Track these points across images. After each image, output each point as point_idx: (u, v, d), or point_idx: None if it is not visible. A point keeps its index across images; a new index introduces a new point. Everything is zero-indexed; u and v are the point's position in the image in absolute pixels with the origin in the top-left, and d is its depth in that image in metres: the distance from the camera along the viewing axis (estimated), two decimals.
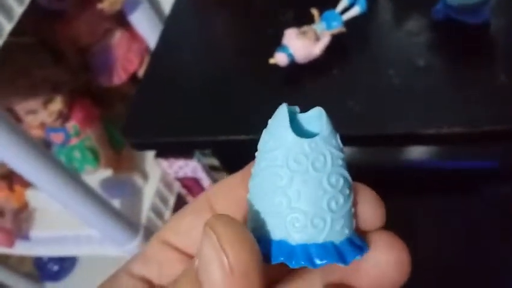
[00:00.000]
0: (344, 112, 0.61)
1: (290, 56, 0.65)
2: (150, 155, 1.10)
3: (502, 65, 0.59)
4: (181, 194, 1.04)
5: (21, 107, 0.98)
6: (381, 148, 0.91)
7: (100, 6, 0.95)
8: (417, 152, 0.97)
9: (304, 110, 0.23)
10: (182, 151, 0.83)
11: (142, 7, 1.01)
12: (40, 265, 1.41)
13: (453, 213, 0.93)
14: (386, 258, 0.22)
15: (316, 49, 0.65)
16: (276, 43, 0.67)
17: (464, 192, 0.94)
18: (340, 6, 0.67)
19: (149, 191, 1.06)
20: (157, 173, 1.07)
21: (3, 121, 0.69)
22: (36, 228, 1.12)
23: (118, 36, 1.06)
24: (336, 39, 0.66)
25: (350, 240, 0.20)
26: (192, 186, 0.95)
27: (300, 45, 0.64)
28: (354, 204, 0.22)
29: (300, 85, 0.67)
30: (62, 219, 1.06)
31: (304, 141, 0.20)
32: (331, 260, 0.19)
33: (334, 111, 0.63)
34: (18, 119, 1.00)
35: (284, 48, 0.65)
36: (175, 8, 0.89)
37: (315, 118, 0.21)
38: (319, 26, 0.66)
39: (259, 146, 0.21)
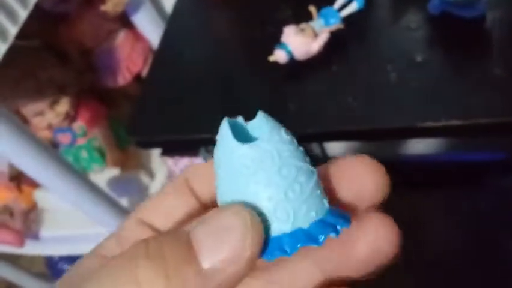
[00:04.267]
0: (343, 107, 0.62)
1: (289, 53, 0.66)
2: (156, 153, 1.12)
3: (497, 58, 0.60)
4: None
5: (29, 109, 1.00)
6: (383, 142, 0.92)
7: (103, 8, 0.96)
8: (422, 145, 0.97)
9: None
10: (188, 149, 0.84)
11: (144, 8, 1.02)
12: (51, 264, 1.42)
13: (460, 206, 0.93)
14: (375, 236, 0.22)
15: (315, 46, 0.66)
16: (276, 41, 0.68)
17: (471, 185, 0.95)
18: (338, 3, 0.68)
19: (155, 188, 1.07)
20: (163, 170, 1.09)
21: (11, 123, 0.70)
22: (46, 228, 1.13)
23: (122, 37, 1.07)
24: (334, 35, 0.67)
25: (320, 221, 0.21)
26: None
27: (299, 42, 0.65)
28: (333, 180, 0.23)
29: (300, 81, 0.68)
30: (70, 219, 1.08)
31: (246, 146, 0.21)
32: (302, 244, 0.20)
33: (333, 107, 0.64)
34: (25, 121, 1.02)
35: (283, 46, 0.66)
36: (177, 8, 0.90)
37: (261, 123, 0.22)
38: (317, 23, 0.67)
39: (214, 161, 0.22)
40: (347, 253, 0.23)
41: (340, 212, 0.22)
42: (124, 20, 1.07)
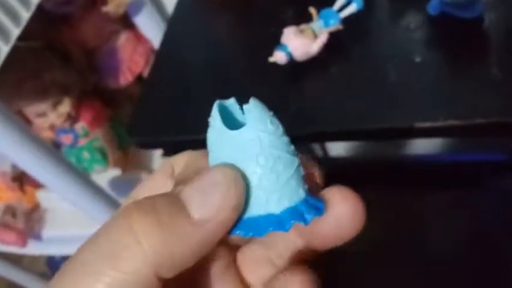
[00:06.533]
0: (343, 108, 0.62)
1: (289, 54, 0.66)
2: (157, 153, 1.12)
3: (495, 59, 0.60)
4: None
5: (31, 110, 1.00)
6: (382, 142, 0.92)
7: (105, 9, 0.97)
8: (421, 146, 0.98)
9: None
10: (189, 149, 0.84)
11: (146, 9, 1.02)
12: (53, 265, 1.42)
13: (459, 206, 0.93)
14: (340, 212, 0.23)
15: (314, 47, 0.66)
16: (275, 42, 0.68)
17: (470, 185, 0.95)
18: (337, 4, 0.68)
19: None
20: None
21: (14, 124, 0.71)
22: (48, 228, 1.14)
23: (124, 38, 1.08)
24: (333, 36, 0.67)
25: (292, 209, 0.22)
26: None
27: (298, 43, 0.66)
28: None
29: (300, 82, 0.68)
30: (73, 219, 1.08)
31: (230, 133, 0.22)
32: (271, 229, 0.21)
33: (333, 107, 0.65)
34: (27, 122, 1.02)
35: (283, 47, 0.67)
36: (178, 9, 0.91)
37: (251, 108, 0.23)
38: (317, 24, 0.67)
39: (207, 141, 0.24)
40: (314, 229, 0.24)
41: (315, 202, 0.23)
42: (125, 21, 1.08)
